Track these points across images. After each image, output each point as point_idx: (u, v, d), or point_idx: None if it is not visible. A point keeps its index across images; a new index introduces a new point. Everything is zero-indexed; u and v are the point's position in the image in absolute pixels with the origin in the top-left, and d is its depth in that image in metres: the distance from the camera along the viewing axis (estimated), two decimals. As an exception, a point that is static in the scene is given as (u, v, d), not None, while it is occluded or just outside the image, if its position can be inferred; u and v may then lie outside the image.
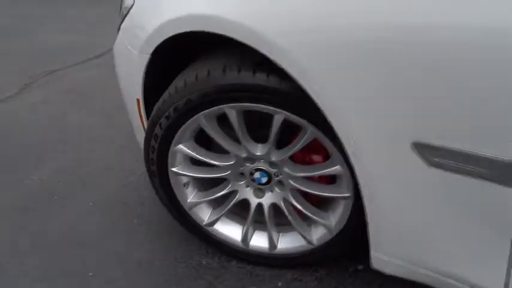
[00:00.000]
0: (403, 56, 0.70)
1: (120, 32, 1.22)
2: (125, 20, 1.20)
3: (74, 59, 3.05)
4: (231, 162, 1.12)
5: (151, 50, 1.08)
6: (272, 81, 0.91)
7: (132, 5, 1.16)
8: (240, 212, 1.24)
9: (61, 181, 1.69)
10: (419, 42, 0.69)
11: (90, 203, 1.56)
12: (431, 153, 0.73)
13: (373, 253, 0.96)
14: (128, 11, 1.18)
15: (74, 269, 1.28)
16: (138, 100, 1.23)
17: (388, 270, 0.97)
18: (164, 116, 1.06)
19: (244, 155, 1.09)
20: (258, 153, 1.07)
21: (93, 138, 1.99)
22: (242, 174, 1.15)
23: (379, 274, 1.00)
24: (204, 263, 1.29)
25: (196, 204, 1.22)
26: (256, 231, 1.24)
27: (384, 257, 0.95)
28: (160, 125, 1.08)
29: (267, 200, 1.17)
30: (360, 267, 1.25)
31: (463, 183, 0.73)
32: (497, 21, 0.63)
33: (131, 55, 1.16)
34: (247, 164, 1.12)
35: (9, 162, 1.83)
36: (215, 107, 1.00)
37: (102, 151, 1.88)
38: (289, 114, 0.94)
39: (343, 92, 0.78)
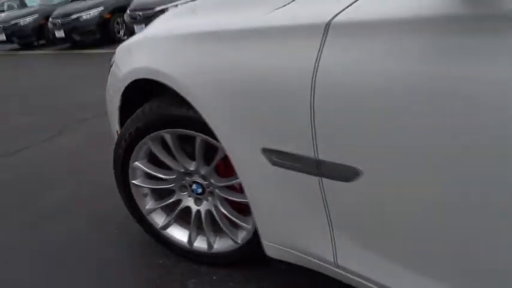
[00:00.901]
0: (250, 92, 1.04)
1: (108, 79, 1.65)
2: (110, 71, 1.63)
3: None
4: (173, 176, 1.47)
5: (120, 93, 1.49)
6: (189, 112, 1.27)
7: (113, 61, 1.60)
8: (186, 217, 1.57)
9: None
10: (257, 80, 1.03)
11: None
12: (272, 155, 1.05)
13: (263, 241, 1.26)
14: (111, 65, 1.62)
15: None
16: (117, 131, 1.63)
17: (278, 256, 1.25)
18: (123, 139, 1.45)
19: (182, 170, 1.44)
20: (192, 169, 1.42)
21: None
22: (184, 186, 1.50)
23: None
24: (160, 262, 1.62)
25: (152, 210, 1.57)
26: (199, 235, 1.56)
27: (270, 244, 1.24)
28: (121, 146, 1.47)
29: (203, 207, 1.50)
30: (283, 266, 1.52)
31: (293, 176, 1.04)
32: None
33: (111, 97, 1.58)
34: (187, 178, 1.47)
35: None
36: (156, 132, 1.38)
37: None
38: (202, 135, 1.29)
39: (221, 116, 1.13)
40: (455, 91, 0.70)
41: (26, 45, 10.55)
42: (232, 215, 1.43)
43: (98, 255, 1.72)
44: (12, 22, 10.14)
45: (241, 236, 1.45)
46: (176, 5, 6.91)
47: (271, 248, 1.24)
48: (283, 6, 0.98)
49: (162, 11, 7.07)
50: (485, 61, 0.67)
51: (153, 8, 7.22)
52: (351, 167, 0.88)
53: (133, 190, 1.55)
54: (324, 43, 0.86)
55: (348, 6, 0.84)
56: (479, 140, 0.70)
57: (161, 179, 1.50)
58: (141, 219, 1.61)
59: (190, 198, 1.52)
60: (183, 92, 1.21)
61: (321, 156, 0.93)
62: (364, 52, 0.81)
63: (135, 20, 7.41)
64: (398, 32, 0.77)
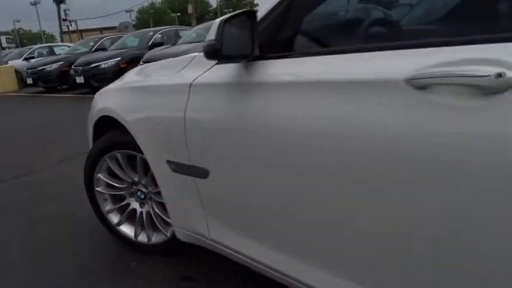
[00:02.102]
0: (156, 126, 1.65)
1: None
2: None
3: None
4: (124, 185, 2.06)
5: (92, 125, 2.12)
6: (132, 138, 1.88)
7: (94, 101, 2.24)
8: (134, 217, 2.14)
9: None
10: (158, 118, 1.63)
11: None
12: (171, 165, 1.64)
13: (174, 228, 1.81)
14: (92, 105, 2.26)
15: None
16: (91, 154, 2.25)
17: (185, 239, 1.80)
18: (90, 157, 2.06)
19: (130, 180, 2.04)
20: (136, 180, 2.01)
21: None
22: (132, 193, 2.08)
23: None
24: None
25: (110, 211, 2.15)
26: (142, 230, 2.12)
27: (178, 229, 1.80)
28: (89, 162, 2.07)
29: (145, 209, 2.07)
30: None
31: (182, 177, 1.61)
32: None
33: (88, 128, 2.21)
34: (134, 187, 2.06)
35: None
36: (111, 153, 1.98)
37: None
38: (140, 155, 1.88)
39: (144, 140, 1.73)
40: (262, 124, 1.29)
41: (50, 89, 11.57)
42: (163, 215, 2.00)
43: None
44: (39, 68, 11.25)
45: (170, 231, 2.00)
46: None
47: (180, 232, 1.80)
48: (177, 72, 1.61)
49: (170, 63, 7.91)
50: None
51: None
52: (204, 168, 1.47)
53: (97, 195, 2.14)
54: (189, 95, 1.47)
55: (200, 75, 1.45)
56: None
57: (116, 187, 2.09)
58: (102, 218, 2.18)
59: (136, 202, 2.09)
60: (126, 125, 1.82)
61: (191, 163, 1.52)
62: (208, 101, 1.41)
63: (146, 70, 8.25)
64: (218, 90, 1.37)
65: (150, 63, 2.06)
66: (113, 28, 57.99)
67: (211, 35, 1.12)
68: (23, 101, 10.97)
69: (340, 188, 1.06)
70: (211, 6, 70.93)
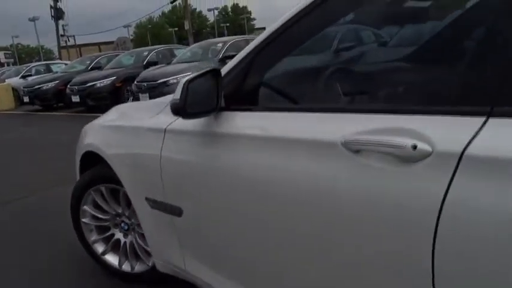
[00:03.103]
0: (134, 164, 1.76)
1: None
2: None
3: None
4: (109, 217, 2.17)
5: (79, 158, 2.24)
6: (114, 172, 1.99)
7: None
8: (118, 247, 2.24)
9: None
10: (136, 156, 1.75)
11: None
12: (150, 202, 1.75)
13: (154, 259, 1.92)
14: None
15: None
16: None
17: (164, 269, 1.90)
18: (76, 190, 2.17)
19: (114, 213, 2.14)
20: (120, 211, 2.12)
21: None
22: (117, 224, 2.19)
23: None
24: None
25: (95, 241, 2.25)
26: (126, 259, 2.22)
27: (157, 260, 1.90)
28: (75, 195, 2.18)
29: (128, 240, 2.17)
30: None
31: (160, 214, 1.72)
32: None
33: (75, 161, 2.33)
34: (118, 218, 2.16)
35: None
36: (96, 186, 2.09)
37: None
38: (123, 189, 1.99)
39: (125, 176, 1.84)
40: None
41: (47, 107, 11.70)
42: (145, 245, 2.10)
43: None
44: (36, 87, 11.40)
45: (151, 261, 2.10)
46: (176, 78, 7.88)
47: (159, 263, 1.90)
48: (155, 115, 1.73)
49: (164, 83, 8.08)
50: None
51: (156, 80, 8.25)
52: (178, 207, 1.58)
53: (83, 226, 2.25)
54: (164, 139, 1.59)
55: (174, 121, 1.57)
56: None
57: (101, 218, 2.20)
58: (88, 247, 2.28)
59: (120, 233, 2.20)
60: (109, 161, 1.94)
61: (167, 201, 1.63)
62: (180, 145, 1.53)
63: (141, 90, 8.42)
64: (189, 137, 1.49)
65: (130, 104, 2.20)
66: (111, 43, 58.54)
67: (177, 94, 1.24)
68: (19, 119, 11.10)
69: (291, 232, 1.18)
70: (209, 21, 71.67)
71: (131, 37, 61.73)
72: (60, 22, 39.69)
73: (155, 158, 1.62)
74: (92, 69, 11.45)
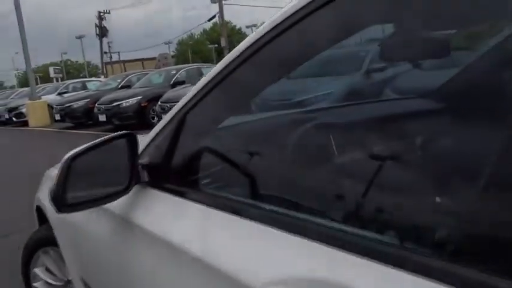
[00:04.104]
0: (68, 242, 1.42)
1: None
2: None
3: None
4: (62, 284, 1.84)
5: (34, 209, 1.93)
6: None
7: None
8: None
9: None
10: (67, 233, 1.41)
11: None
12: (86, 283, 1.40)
13: None
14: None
15: None
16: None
17: None
18: (25, 251, 1.85)
19: (66, 279, 1.81)
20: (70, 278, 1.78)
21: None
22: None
23: None
24: None
25: (49, 309, 1.92)
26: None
27: None
28: (24, 256, 1.87)
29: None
30: None
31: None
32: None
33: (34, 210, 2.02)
34: (70, 285, 1.83)
35: None
36: (44, 248, 1.77)
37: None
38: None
39: (63, 245, 1.51)
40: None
41: (79, 124, 11.79)
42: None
43: None
44: (66, 105, 11.51)
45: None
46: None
47: None
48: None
49: (187, 104, 7.84)
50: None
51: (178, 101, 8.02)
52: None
53: (34, 290, 1.93)
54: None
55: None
56: None
57: (53, 285, 1.87)
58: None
59: (71, 297, 1.86)
60: (50, 222, 1.61)
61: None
62: (92, 223, 1.18)
63: (164, 111, 8.22)
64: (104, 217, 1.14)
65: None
66: (154, 59, 60.03)
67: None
68: (49, 136, 11.21)
69: None
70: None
71: (172, 53, 63.19)
72: (105, 39, 41.23)
73: (80, 231, 1.28)
74: (122, 87, 11.44)
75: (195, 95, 0.97)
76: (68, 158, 0.86)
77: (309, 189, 0.79)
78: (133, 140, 0.95)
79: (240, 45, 0.88)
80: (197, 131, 1.01)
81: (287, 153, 0.97)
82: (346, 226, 0.64)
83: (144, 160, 1.02)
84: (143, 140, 1.11)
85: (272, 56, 0.84)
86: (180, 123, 0.99)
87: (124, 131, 0.96)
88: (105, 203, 0.95)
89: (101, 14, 39.58)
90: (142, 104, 9.38)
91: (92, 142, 0.91)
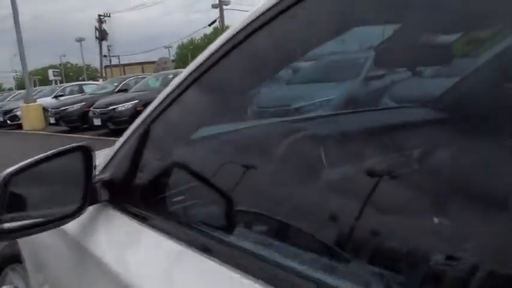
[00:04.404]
0: (31, 260, 1.29)
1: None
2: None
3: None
4: (30, 301, 1.70)
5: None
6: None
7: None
8: None
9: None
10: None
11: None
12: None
13: None
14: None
15: None
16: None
17: None
18: (-9, 267, 1.73)
19: (34, 297, 1.67)
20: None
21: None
22: (40, 310, 1.71)
23: None
24: None
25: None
26: None
27: None
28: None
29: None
30: None
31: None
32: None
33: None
34: (40, 304, 1.69)
35: None
36: (11, 265, 1.64)
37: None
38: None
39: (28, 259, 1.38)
40: None
41: (74, 128, 11.63)
42: None
43: None
44: (62, 108, 11.37)
45: None
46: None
47: None
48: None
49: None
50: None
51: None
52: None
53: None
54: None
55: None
56: None
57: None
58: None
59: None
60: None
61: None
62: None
63: (159, 115, 8.09)
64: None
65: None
66: (154, 63, 59.97)
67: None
68: (39, 139, 11.04)
69: None
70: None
71: (172, 57, 63.21)
72: (105, 43, 41.11)
73: (42, 250, 1.15)
74: (119, 91, 11.31)
75: (162, 101, 0.84)
76: (5, 176, 0.72)
77: (302, 224, 0.64)
78: (88, 154, 0.82)
79: (215, 41, 0.76)
80: (165, 144, 0.88)
81: (273, 171, 0.82)
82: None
83: (105, 176, 0.89)
84: (108, 152, 0.98)
85: (253, 53, 0.71)
86: (144, 134, 0.86)
87: (79, 143, 0.83)
88: (53, 228, 0.81)
89: (101, 17, 39.52)
90: (138, 108, 9.21)
91: (38, 156, 0.78)
